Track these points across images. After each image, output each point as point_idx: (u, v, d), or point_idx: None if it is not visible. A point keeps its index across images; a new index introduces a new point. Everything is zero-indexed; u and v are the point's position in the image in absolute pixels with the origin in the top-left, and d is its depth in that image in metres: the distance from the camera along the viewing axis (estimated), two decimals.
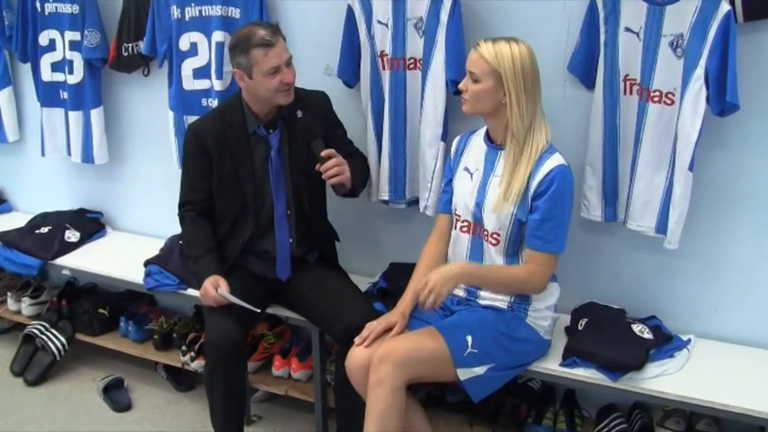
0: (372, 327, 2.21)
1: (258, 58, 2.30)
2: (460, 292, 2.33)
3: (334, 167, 2.36)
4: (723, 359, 2.34)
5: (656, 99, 2.25)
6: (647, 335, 2.34)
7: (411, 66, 2.56)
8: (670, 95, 2.23)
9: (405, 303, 2.29)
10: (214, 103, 2.89)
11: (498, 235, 2.20)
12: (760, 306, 2.41)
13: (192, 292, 2.76)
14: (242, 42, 2.32)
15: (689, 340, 2.40)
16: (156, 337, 3.06)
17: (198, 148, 2.47)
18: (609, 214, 2.45)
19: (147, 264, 2.91)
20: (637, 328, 2.36)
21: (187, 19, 2.86)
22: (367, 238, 2.95)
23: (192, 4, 2.84)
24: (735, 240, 2.39)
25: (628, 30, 2.27)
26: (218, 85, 2.87)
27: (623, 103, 2.34)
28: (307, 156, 2.45)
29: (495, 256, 2.23)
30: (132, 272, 2.95)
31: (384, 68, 2.60)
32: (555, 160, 2.13)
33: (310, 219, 2.56)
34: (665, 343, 2.35)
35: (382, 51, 2.59)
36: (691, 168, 2.21)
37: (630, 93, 2.32)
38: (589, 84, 2.41)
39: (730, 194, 2.34)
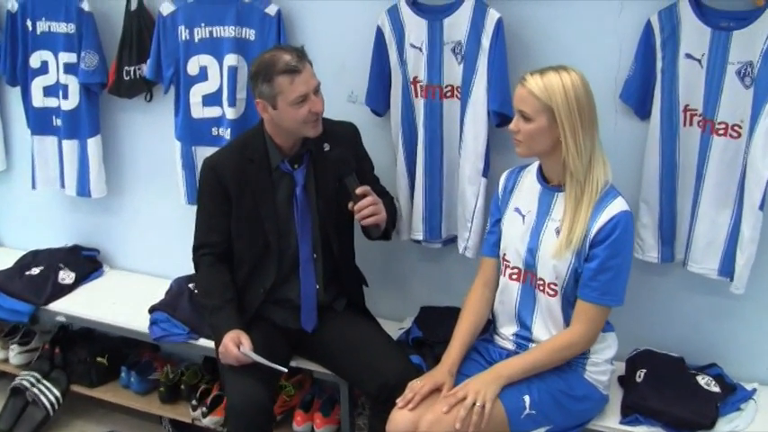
0: (416, 387, 2.07)
1: (283, 87, 2.18)
2: (509, 345, 2.22)
3: (369, 206, 2.23)
4: None
5: (721, 132, 2.16)
6: (715, 388, 2.25)
7: (448, 94, 2.45)
8: (737, 128, 2.14)
9: (451, 359, 2.16)
10: (226, 132, 2.76)
11: (556, 285, 2.08)
12: None
13: (204, 342, 2.64)
14: (265, 69, 2.19)
15: (754, 390, 2.31)
16: (161, 389, 2.90)
17: (215, 185, 2.34)
18: (666, 255, 2.35)
19: (152, 310, 2.76)
20: (702, 380, 2.27)
21: (196, 41, 2.73)
22: (394, 278, 2.83)
23: (203, 25, 2.71)
24: None
25: (689, 56, 2.18)
26: (230, 114, 2.74)
27: (683, 136, 2.25)
28: (335, 193, 2.33)
29: (553, 307, 2.10)
30: (136, 318, 2.80)
31: (417, 96, 2.49)
32: (618, 205, 2.01)
33: (338, 262, 2.43)
34: (729, 394, 2.27)
35: (415, 78, 2.48)
36: (762, 208, 2.12)
37: (691, 124, 2.23)
38: (643, 114, 2.32)
39: None
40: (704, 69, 2.16)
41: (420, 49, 2.44)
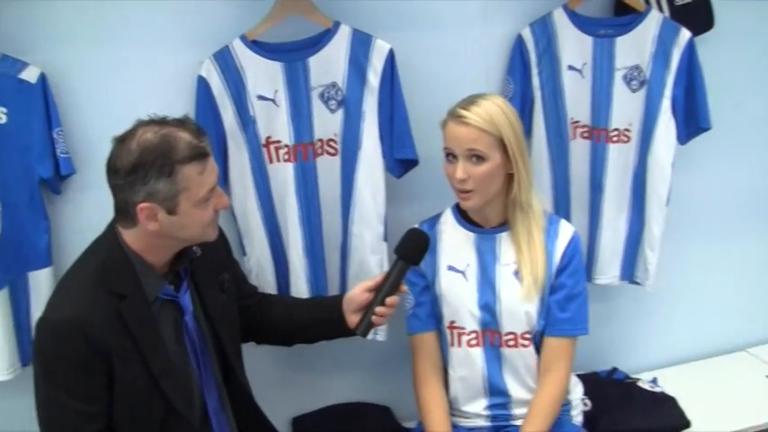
0: None
1: (191, 180, 1.50)
2: (481, 422, 1.94)
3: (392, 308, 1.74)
4: (700, 380, 2.43)
5: (614, 138, 2.18)
6: (657, 388, 2.31)
7: (319, 150, 1.99)
8: (626, 132, 2.19)
9: None
10: None
11: (529, 334, 1.87)
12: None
13: None
14: (160, 158, 1.47)
15: (655, 379, 2.42)
16: None
17: (86, 354, 1.49)
18: None
19: None
20: (645, 385, 2.33)
21: None
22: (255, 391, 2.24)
23: None
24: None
25: (571, 68, 2.14)
26: None
27: (573, 150, 2.20)
28: (225, 307, 1.76)
29: (528, 359, 1.89)
30: None
31: (274, 161, 1.98)
32: (567, 227, 1.90)
33: (248, 395, 1.84)
34: None
35: (269, 138, 1.96)
36: (668, 203, 2.20)
37: (575, 137, 2.19)
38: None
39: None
40: (587, 79, 2.15)
41: (274, 101, 1.94)
